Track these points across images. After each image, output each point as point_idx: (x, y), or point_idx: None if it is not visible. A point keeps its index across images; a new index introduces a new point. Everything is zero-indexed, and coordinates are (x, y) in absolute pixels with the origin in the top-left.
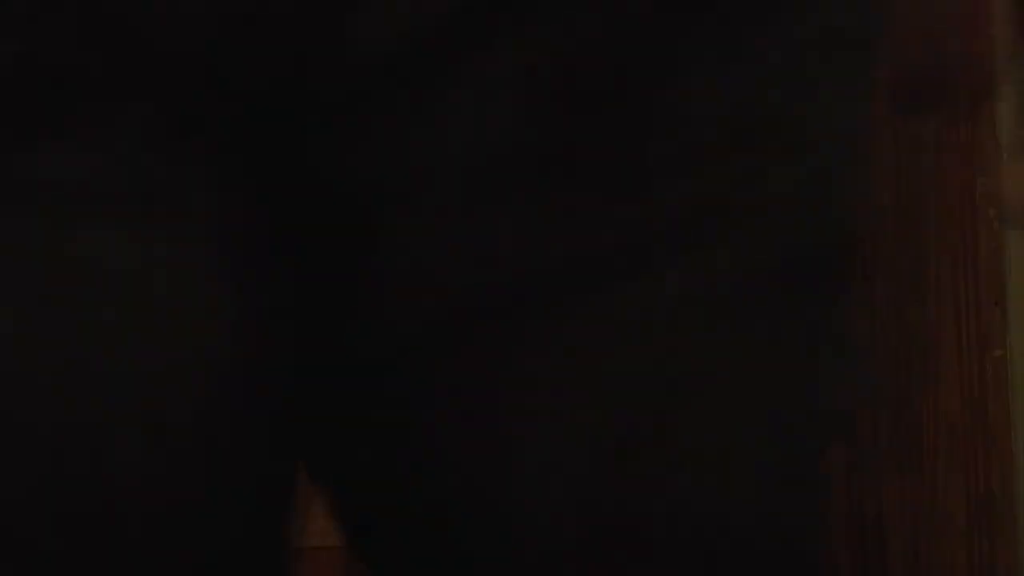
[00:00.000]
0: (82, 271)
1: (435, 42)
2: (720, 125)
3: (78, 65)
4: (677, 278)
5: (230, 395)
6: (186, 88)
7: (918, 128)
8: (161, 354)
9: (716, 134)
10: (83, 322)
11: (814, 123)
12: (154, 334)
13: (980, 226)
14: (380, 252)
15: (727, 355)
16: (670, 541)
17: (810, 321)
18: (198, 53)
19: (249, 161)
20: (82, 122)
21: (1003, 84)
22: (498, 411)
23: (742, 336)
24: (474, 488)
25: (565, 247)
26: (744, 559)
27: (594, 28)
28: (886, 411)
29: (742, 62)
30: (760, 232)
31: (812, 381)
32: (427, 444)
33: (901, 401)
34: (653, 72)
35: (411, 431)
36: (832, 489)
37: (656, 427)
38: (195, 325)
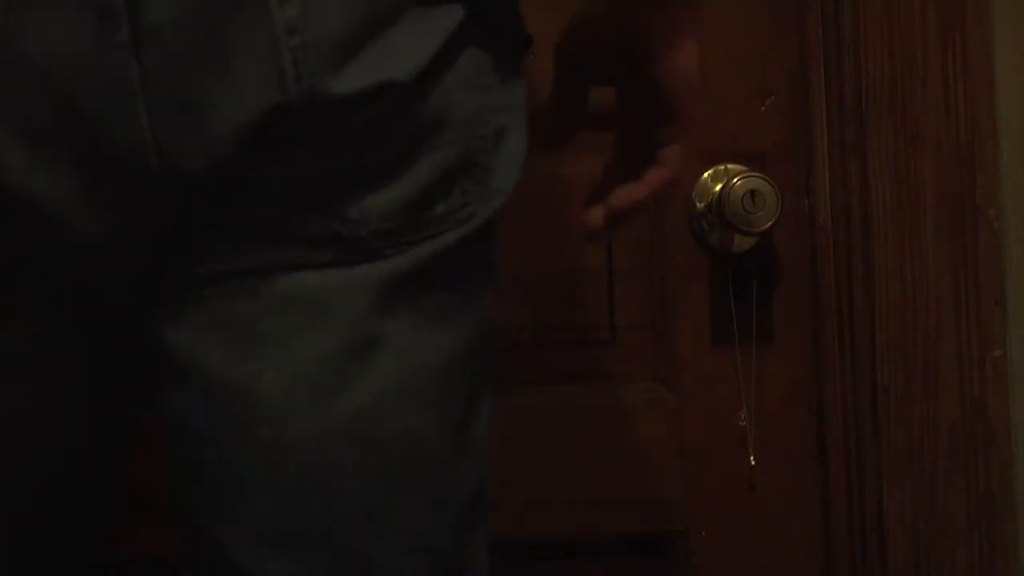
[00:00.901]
0: None
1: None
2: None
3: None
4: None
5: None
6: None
7: (917, 128)
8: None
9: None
10: None
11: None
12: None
13: (980, 226)
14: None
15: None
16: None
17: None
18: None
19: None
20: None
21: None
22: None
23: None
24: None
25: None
26: None
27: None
28: (886, 411)
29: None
30: None
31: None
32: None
33: (901, 401)
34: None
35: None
36: (832, 489)
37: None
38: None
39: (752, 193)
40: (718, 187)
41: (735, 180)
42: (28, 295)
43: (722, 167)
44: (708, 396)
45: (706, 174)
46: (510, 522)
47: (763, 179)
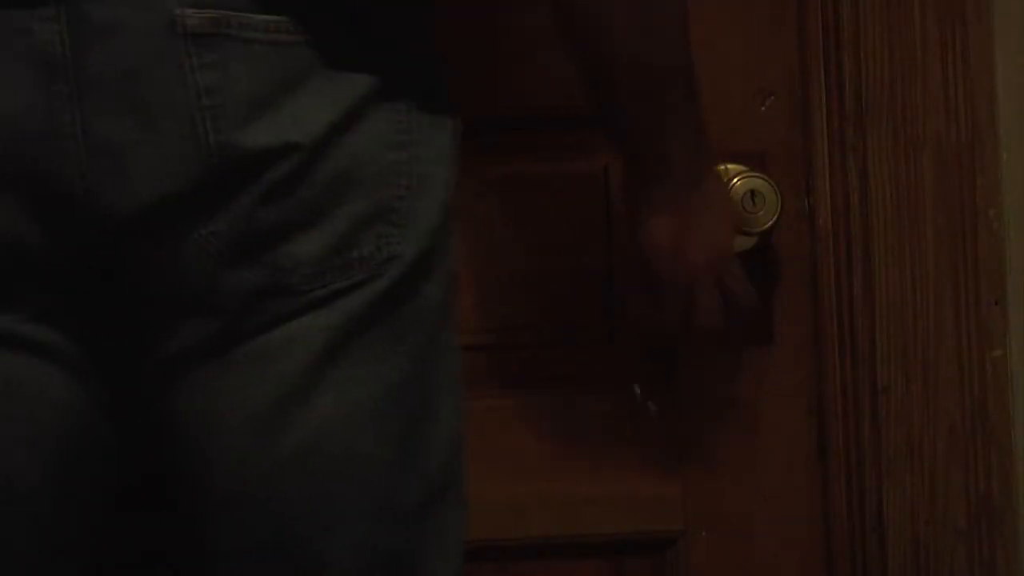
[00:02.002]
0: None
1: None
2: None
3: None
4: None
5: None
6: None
7: (917, 128)
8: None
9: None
10: None
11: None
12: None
13: (980, 226)
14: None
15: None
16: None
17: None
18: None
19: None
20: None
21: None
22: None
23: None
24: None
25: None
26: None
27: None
28: (886, 411)
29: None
30: None
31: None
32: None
33: (901, 401)
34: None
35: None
36: (832, 489)
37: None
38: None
39: (752, 193)
40: None
41: (735, 180)
42: (23, 293)
43: (722, 167)
44: (708, 396)
45: None
46: (510, 522)
47: (763, 179)
